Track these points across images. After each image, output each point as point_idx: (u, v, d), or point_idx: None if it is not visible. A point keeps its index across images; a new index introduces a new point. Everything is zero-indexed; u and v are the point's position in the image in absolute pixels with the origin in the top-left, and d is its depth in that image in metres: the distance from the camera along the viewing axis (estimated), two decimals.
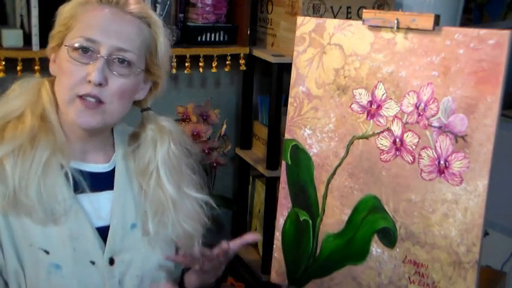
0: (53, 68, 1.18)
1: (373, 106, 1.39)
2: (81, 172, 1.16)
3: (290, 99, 1.54)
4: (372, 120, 1.40)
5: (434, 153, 1.30)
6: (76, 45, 1.11)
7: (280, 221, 1.56)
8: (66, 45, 1.12)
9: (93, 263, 1.14)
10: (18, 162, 1.09)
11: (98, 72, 1.09)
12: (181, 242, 1.23)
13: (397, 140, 1.35)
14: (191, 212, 1.24)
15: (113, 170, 1.22)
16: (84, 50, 1.11)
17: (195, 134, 2.11)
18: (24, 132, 1.11)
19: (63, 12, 1.16)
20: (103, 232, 1.17)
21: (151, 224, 1.20)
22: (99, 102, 1.11)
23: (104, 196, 1.19)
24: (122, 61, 1.12)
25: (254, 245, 2.37)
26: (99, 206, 1.18)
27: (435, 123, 1.29)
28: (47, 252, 1.10)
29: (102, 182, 1.19)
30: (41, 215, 1.09)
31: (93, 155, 1.20)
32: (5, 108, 1.14)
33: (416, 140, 1.32)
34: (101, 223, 1.17)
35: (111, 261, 1.16)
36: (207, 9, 2.15)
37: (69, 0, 1.17)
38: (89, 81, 1.09)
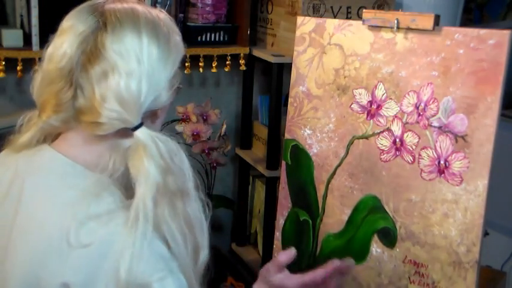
0: (149, 125, 1.03)
1: (373, 106, 1.39)
2: None
3: (290, 99, 1.54)
4: (372, 120, 1.40)
5: (434, 153, 1.30)
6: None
7: (280, 221, 1.56)
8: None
9: None
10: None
11: None
12: None
13: (397, 140, 1.35)
14: None
15: None
16: None
17: (195, 134, 2.10)
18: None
19: (171, 68, 1.04)
20: None
21: None
22: None
23: None
24: None
25: (254, 245, 2.37)
26: None
27: (435, 123, 1.29)
28: None
29: None
30: None
31: None
32: None
33: (416, 140, 1.32)
34: None
35: None
36: (207, 9, 2.14)
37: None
38: None
